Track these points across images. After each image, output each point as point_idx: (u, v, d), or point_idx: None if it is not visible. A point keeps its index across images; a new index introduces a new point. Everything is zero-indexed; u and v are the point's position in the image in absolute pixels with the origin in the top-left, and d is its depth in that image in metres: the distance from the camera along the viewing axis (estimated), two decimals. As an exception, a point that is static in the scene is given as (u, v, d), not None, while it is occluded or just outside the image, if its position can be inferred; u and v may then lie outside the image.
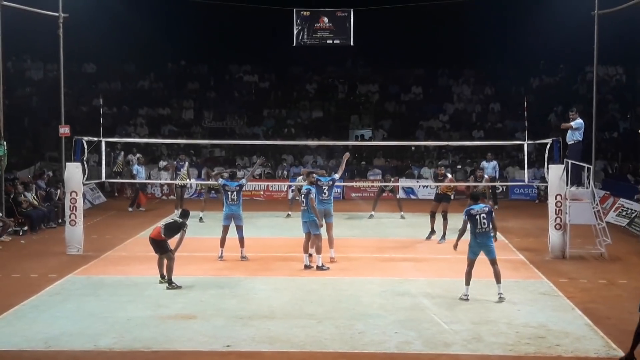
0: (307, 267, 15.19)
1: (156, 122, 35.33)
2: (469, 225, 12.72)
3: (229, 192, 16.32)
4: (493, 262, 12.69)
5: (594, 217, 16.77)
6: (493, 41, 33.93)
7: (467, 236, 12.82)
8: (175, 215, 14.62)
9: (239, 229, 16.30)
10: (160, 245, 13.74)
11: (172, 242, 13.79)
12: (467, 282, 12.66)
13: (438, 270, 15.25)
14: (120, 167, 28.47)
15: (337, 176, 16.57)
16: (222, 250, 16.17)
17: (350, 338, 10.59)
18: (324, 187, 16.05)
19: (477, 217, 12.59)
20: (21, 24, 25.17)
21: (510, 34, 32.90)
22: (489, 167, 25.76)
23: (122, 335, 10.66)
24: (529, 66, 36.34)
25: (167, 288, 13.35)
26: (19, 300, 12.47)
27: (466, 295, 12.65)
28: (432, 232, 18.96)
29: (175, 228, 13.86)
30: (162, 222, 14.29)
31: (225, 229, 16.32)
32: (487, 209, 12.85)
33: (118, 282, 13.99)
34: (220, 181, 16.83)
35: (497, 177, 25.31)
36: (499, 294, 12.58)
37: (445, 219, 18.69)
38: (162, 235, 13.73)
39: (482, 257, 12.74)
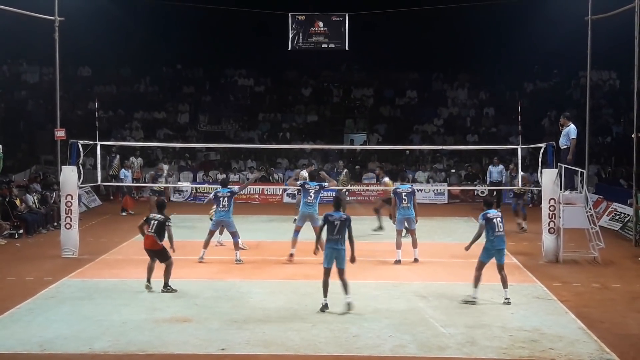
0: (398, 262, 16.22)
1: (151, 125, 35.37)
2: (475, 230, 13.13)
3: (220, 198, 16.39)
4: (501, 268, 12.88)
5: (588, 221, 16.85)
6: (487, 46, 34.11)
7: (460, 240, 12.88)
8: (155, 214, 13.84)
9: (233, 235, 16.42)
10: (160, 254, 13.58)
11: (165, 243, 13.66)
12: (476, 285, 12.80)
13: (432, 274, 15.30)
14: (116, 170, 28.47)
15: (326, 184, 16.98)
16: (204, 252, 16.34)
17: (345, 341, 10.62)
18: (310, 191, 16.39)
19: (494, 220, 12.82)
20: (17, 27, 25.23)
21: (505, 39, 33.06)
22: (495, 171, 25.78)
23: (117, 338, 10.68)
24: (523, 71, 36.50)
25: (162, 291, 13.35)
26: (14, 304, 12.49)
27: (474, 297, 12.77)
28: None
29: (162, 228, 13.56)
30: (150, 230, 13.60)
31: (211, 234, 16.54)
32: (500, 213, 13.15)
33: (113, 286, 14.01)
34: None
35: (502, 181, 25.34)
36: (505, 298, 12.75)
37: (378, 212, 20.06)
38: (159, 243, 13.57)
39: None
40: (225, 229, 16.88)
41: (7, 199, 20.31)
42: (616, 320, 11.90)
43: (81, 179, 17.29)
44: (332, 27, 25.07)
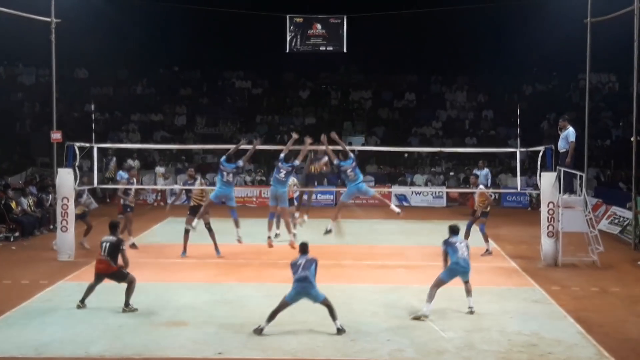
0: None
1: (148, 128, 35.32)
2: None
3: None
4: (466, 282, 12.43)
5: (587, 225, 16.78)
6: (486, 49, 34.15)
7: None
8: (106, 236, 12.63)
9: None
10: (117, 275, 12.37)
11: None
12: (430, 301, 12.05)
13: (430, 278, 15.04)
14: (112, 173, 28.37)
15: (297, 162, 16.78)
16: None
17: (343, 345, 10.55)
18: (282, 170, 16.37)
19: (456, 244, 12.33)
20: (13, 29, 25.12)
21: (504, 42, 33.08)
22: (481, 175, 25.70)
23: (113, 342, 10.60)
24: (522, 74, 36.52)
25: (124, 310, 12.18)
26: (9, 307, 12.40)
27: (426, 315, 11.93)
28: None
29: (115, 250, 12.34)
30: (103, 254, 12.37)
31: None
32: (465, 240, 13.06)
33: (109, 289, 13.85)
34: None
35: (488, 185, 25.26)
36: (469, 306, 12.27)
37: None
38: (113, 266, 12.34)
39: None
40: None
41: (2, 202, 20.22)
42: (615, 325, 11.83)
43: (77, 182, 17.22)
44: (330, 29, 25.08)
